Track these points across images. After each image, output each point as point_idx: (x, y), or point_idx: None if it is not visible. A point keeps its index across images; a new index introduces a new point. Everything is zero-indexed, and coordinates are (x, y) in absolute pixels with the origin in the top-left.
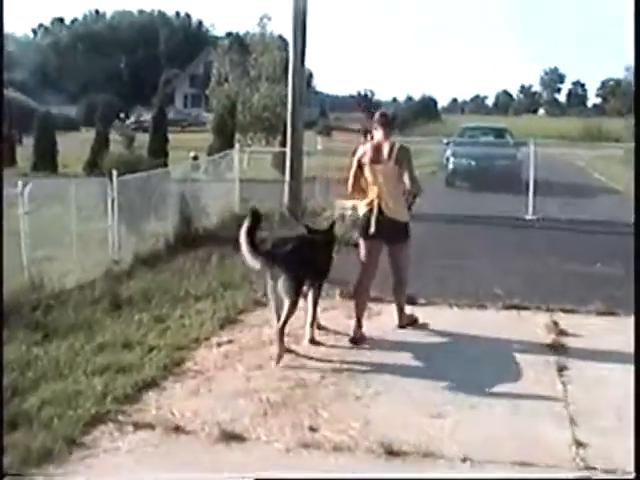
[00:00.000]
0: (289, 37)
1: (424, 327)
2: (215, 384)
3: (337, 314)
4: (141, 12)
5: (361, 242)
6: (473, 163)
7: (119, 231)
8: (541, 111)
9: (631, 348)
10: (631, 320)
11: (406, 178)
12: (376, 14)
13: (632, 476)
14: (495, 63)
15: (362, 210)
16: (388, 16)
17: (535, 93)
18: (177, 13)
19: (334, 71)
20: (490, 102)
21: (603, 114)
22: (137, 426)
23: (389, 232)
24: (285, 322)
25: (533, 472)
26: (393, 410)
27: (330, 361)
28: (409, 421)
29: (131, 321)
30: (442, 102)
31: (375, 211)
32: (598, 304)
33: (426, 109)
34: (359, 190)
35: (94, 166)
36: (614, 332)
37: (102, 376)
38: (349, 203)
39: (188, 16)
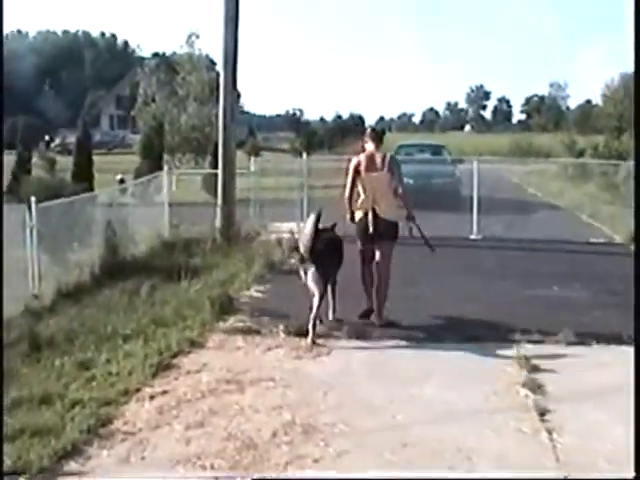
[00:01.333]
0: (218, 56)
1: (398, 325)
2: (149, 449)
3: (282, 355)
4: (65, 32)
5: (358, 241)
6: (411, 181)
7: (39, 262)
8: (467, 127)
9: (614, 382)
10: (606, 350)
11: (397, 183)
12: (303, 33)
13: (632, 476)
14: (422, 81)
15: (358, 214)
16: (315, 35)
17: (461, 110)
18: (102, 34)
19: (261, 91)
20: (417, 119)
21: (528, 130)
22: None
23: (382, 231)
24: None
25: None
26: None
27: (280, 412)
28: None
29: (51, 368)
30: (369, 120)
31: (371, 214)
32: (567, 333)
33: (354, 127)
34: (354, 196)
35: (15, 192)
36: (591, 365)
37: (14, 443)
38: (285, 225)
39: (114, 36)
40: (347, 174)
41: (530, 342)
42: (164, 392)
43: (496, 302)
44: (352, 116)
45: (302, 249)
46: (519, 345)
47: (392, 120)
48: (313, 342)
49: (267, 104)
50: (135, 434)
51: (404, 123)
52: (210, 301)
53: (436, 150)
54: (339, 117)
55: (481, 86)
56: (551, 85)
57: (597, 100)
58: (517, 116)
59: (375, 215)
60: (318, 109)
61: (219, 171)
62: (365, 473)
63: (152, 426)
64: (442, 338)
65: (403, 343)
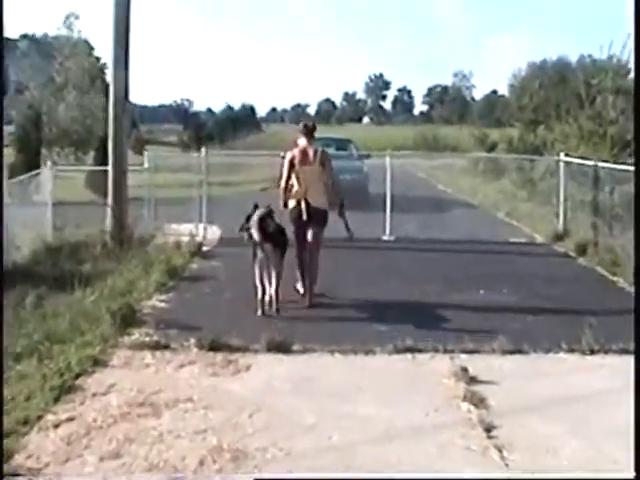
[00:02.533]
0: (103, 38)
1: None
2: None
3: (197, 372)
4: None
5: (293, 226)
6: None
7: None
8: (366, 119)
9: (559, 393)
10: (545, 359)
11: (327, 176)
12: (189, 18)
13: (632, 476)
14: (317, 70)
15: (292, 203)
16: (205, 20)
17: (359, 100)
18: None
19: (143, 78)
20: (312, 110)
21: (430, 122)
22: None
23: (314, 217)
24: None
25: None
26: None
27: (204, 437)
28: None
29: None
30: (261, 111)
31: (303, 202)
32: (502, 340)
33: (246, 119)
34: (289, 188)
35: None
36: (531, 375)
37: None
38: (183, 227)
39: None
40: (282, 167)
41: (464, 352)
42: (70, 419)
43: (421, 309)
44: (244, 107)
45: (255, 234)
46: (453, 355)
47: (285, 111)
48: (277, 310)
49: (150, 93)
50: (41, 470)
51: (298, 114)
52: (110, 313)
53: (341, 144)
54: (230, 108)
55: (380, 75)
56: (455, 75)
57: (504, 91)
58: (419, 107)
59: (307, 204)
60: (206, 99)
61: (109, 167)
62: (365, 473)
63: (61, 459)
64: (370, 349)
65: (327, 355)
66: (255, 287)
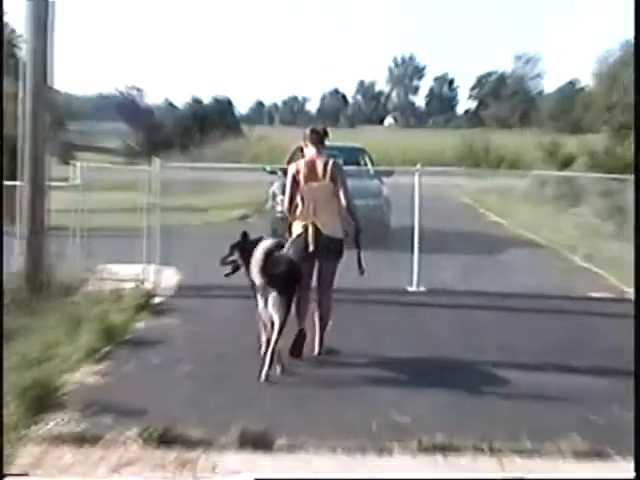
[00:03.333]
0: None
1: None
2: None
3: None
4: None
5: (296, 259)
6: None
7: None
8: (388, 120)
9: None
10: (630, 465)
11: (341, 195)
12: None
13: (632, 476)
14: (322, 52)
15: (297, 229)
16: None
17: (380, 93)
18: None
19: (75, 58)
20: (313, 106)
21: (479, 124)
22: None
23: (325, 250)
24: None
25: None
26: None
27: None
28: None
29: None
30: (242, 107)
31: (311, 229)
32: (574, 438)
33: (220, 118)
34: (296, 209)
35: None
36: None
37: None
38: (126, 269)
39: None
40: (285, 184)
41: (518, 453)
42: None
43: (458, 390)
44: (217, 100)
45: (256, 277)
46: (502, 457)
47: (276, 107)
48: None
49: (84, 78)
50: None
51: (293, 112)
52: (18, 392)
53: (352, 156)
54: (197, 102)
55: (411, 58)
56: (517, 58)
57: (586, 81)
58: (464, 104)
59: (316, 231)
60: (164, 88)
61: (20, 183)
62: (365, 473)
63: None
64: (386, 446)
65: (325, 454)
66: (260, 344)
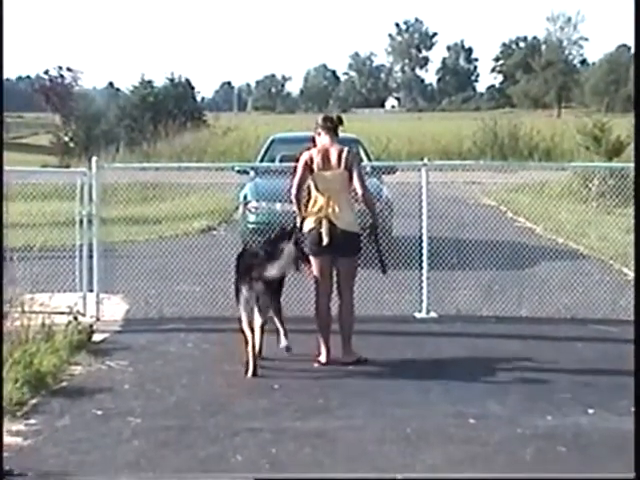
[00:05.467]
0: None
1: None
2: None
3: None
4: None
5: (312, 258)
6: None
7: None
8: (391, 101)
9: None
10: None
11: (357, 183)
12: None
13: (632, 476)
14: (306, 17)
15: (309, 223)
16: None
17: (379, 68)
18: None
19: None
20: (295, 87)
21: (504, 104)
22: None
23: (340, 244)
24: None
25: None
26: None
27: None
28: None
29: None
30: (205, 90)
31: (325, 222)
32: None
33: (177, 104)
34: (303, 199)
35: None
36: None
37: None
38: (58, 299)
39: None
40: (295, 171)
41: None
42: None
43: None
44: (173, 82)
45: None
46: None
47: (249, 88)
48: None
49: (5, 57)
50: None
51: (269, 95)
52: None
53: None
54: (147, 83)
55: (417, 22)
56: (551, 20)
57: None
58: (485, 79)
59: (330, 224)
60: (105, 70)
61: None
62: (365, 474)
63: None
64: None
65: None
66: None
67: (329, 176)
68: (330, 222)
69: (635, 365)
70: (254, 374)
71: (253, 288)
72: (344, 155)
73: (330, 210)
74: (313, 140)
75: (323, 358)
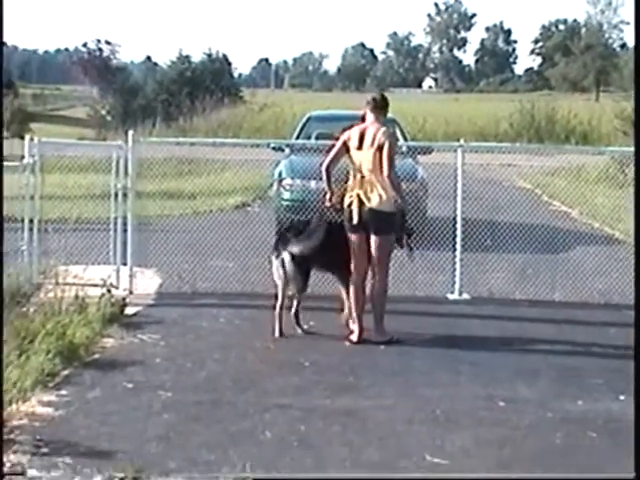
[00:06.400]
0: None
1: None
2: None
3: None
4: None
5: (349, 234)
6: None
7: None
8: (428, 82)
9: None
10: None
11: (384, 163)
12: None
13: (632, 476)
14: None
15: (347, 200)
16: None
17: (417, 48)
18: None
19: (31, 6)
20: (332, 65)
21: (543, 87)
22: None
23: (370, 223)
24: None
25: None
26: None
27: None
28: None
29: None
30: (242, 67)
31: (356, 201)
32: None
33: (214, 79)
34: (332, 171)
35: None
36: None
37: None
38: (92, 271)
39: None
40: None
41: None
42: None
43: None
44: (210, 58)
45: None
46: None
47: (286, 65)
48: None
49: (42, 30)
50: None
51: (307, 72)
52: None
53: None
54: (185, 58)
55: (456, 2)
56: (591, 2)
57: None
58: (524, 61)
59: (361, 203)
60: (142, 44)
61: None
62: (365, 473)
63: None
64: None
65: None
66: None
67: (361, 155)
68: (360, 201)
69: (635, 366)
70: (280, 334)
71: (279, 257)
72: (379, 135)
73: (361, 189)
74: (362, 118)
75: (355, 337)
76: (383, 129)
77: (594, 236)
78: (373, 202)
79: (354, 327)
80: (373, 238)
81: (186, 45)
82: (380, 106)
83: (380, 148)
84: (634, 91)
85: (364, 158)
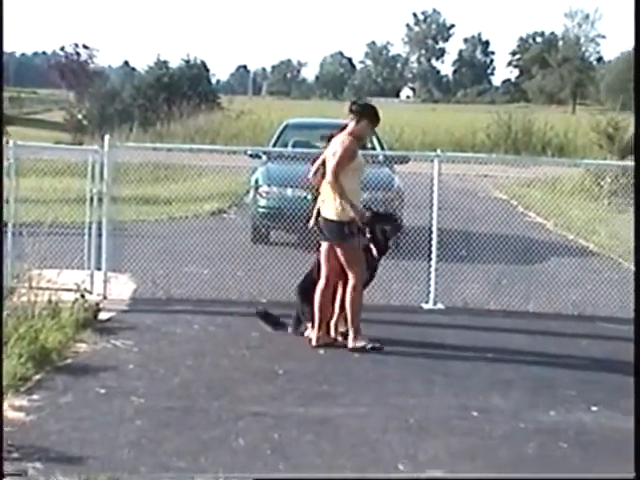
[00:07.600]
0: None
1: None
2: None
3: None
4: None
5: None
6: (308, 196)
7: None
8: (406, 92)
9: None
10: None
11: (328, 169)
12: None
13: (632, 476)
14: (322, 5)
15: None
16: None
17: (396, 58)
18: None
19: (13, 12)
20: (311, 73)
21: (520, 99)
22: None
23: (324, 231)
24: None
25: None
26: None
27: None
28: None
29: None
30: (220, 73)
31: (316, 210)
32: None
33: (192, 85)
34: (319, 180)
35: None
36: None
37: None
38: (65, 276)
39: None
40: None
41: None
42: None
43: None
44: (188, 64)
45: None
46: None
47: (264, 72)
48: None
49: (19, 34)
50: None
51: (285, 80)
52: None
53: None
54: (163, 64)
55: (434, 12)
56: (569, 16)
57: None
58: (501, 72)
59: (318, 212)
60: (120, 49)
61: None
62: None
63: None
64: None
65: None
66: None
67: (328, 164)
68: (319, 210)
69: (635, 366)
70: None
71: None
72: (338, 142)
73: (320, 198)
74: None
75: (314, 340)
76: (342, 137)
77: (569, 248)
78: (323, 211)
79: (314, 328)
80: (334, 246)
81: (164, 51)
82: (354, 112)
83: (335, 154)
84: (634, 97)
85: (328, 167)
